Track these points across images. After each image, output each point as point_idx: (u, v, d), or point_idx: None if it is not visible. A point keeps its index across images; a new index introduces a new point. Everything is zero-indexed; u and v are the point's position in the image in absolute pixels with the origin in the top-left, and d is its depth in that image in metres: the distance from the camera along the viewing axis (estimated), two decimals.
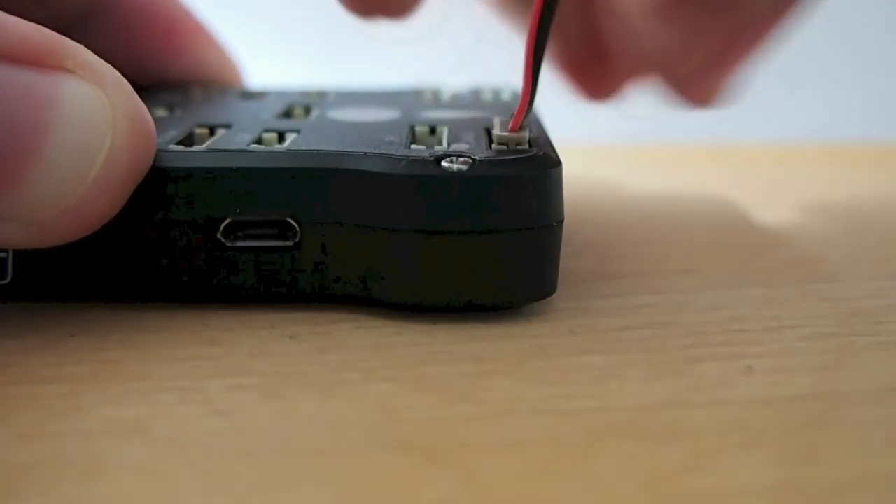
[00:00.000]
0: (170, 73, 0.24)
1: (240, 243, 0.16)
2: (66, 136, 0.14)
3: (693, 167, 0.29)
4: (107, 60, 0.15)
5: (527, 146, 0.16)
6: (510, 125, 0.17)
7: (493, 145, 0.16)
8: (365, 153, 0.16)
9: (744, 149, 0.32)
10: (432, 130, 0.18)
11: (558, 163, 0.16)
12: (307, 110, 0.21)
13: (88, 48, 0.15)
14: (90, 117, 0.14)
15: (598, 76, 0.22)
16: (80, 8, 0.23)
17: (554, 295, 0.17)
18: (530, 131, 0.17)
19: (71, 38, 0.15)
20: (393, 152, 0.16)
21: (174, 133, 0.17)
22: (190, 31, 0.25)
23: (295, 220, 0.16)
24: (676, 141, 0.32)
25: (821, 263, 0.20)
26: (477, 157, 0.16)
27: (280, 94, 0.23)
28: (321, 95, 0.23)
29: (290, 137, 0.18)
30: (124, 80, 0.15)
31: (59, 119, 0.14)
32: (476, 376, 0.14)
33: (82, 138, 0.14)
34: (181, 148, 0.16)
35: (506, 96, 0.23)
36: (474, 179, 0.15)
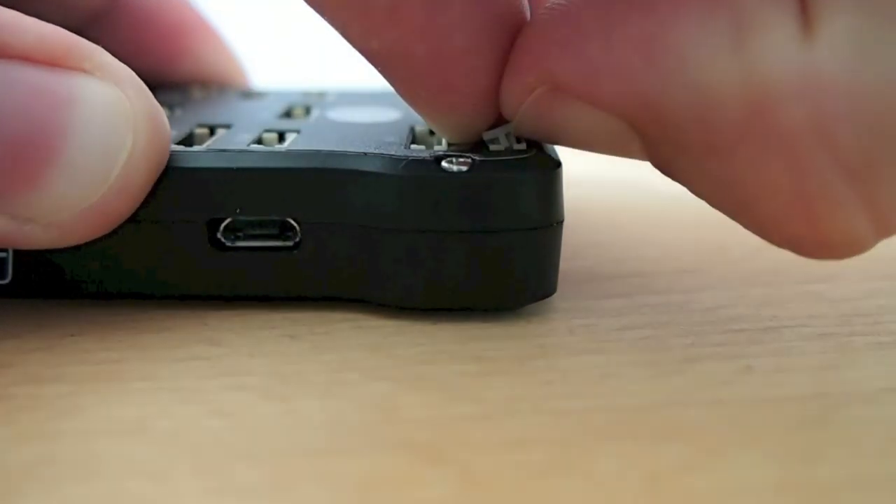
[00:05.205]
0: (176, 74, 0.25)
1: (240, 243, 0.16)
2: (86, 137, 0.14)
3: None
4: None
5: (525, 145, 0.16)
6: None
7: (490, 145, 0.16)
8: (365, 153, 0.16)
9: None
10: (432, 131, 0.18)
11: (558, 163, 0.16)
12: (307, 110, 0.21)
13: None
14: (111, 118, 0.14)
15: None
16: (91, 9, 0.23)
17: (554, 295, 0.17)
18: None
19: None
20: (393, 153, 0.16)
21: (174, 133, 0.17)
22: (197, 32, 0.25)
23: (295, 220, 0.16)
24: None
25: (821, 263, 0.20)
26: (477, 158, 0.16)
27: (280, 94, 0.23)
28: (321, 95, 0.23)
29: (290, 137, 0.18)
30: (141, 82, 0.15)
31: (79, 119, 0.14)
32: (476, 376, 0.14)
33: (103, 139, 0.14)
34: (181, 148, 0.16)
35: None
36: (474, 180, 0.15)
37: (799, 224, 0.14)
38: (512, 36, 0.15)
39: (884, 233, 0.14)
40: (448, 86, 0.15)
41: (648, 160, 0.15)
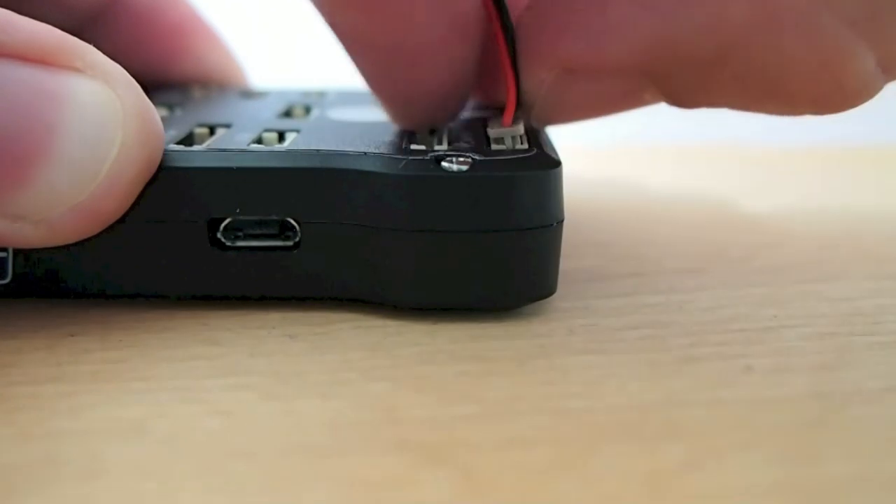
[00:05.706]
0: (175, 75, 0.25)
1: (240, 243, 0.16)
2: (76, 135, 0.14)
3: (693, 167, 0.29)
4: (114, 61, 0.15)
5: (526, 145, 0.16)
6: (502, 120, 0.17)
7: (492, 144, 0.16)
8: (365, 153, 0.16)
9: (743, 149, 0.32)
10: (432, 130, 0.18)
11: (558, 163, 0.16)
12: (307, 110, 0.21)
13: (96, 49, 0.15)
14: (100, 116, 0.14)
15: None
16: (89, 9, 0.23)
17: (554, 295, 0.17)
18: (530, 130, 0.17)
19: (79, 38, 0.15)
20: (393, 152, 0.16)
21: (174, 133, 0.17)
22: (196, 32, 0.25)
23: (295, 220, 0.16)
24: (676, 141, 0.32)
25: (821, 263, 0.20)
26: (477, 158, 0.16)
27: (280, 94, 0.23)
28: (321, 95, 0.23)
29: (290, 137, 0.18)
30: (133, 80, 0.15)
31: (69, 117, 0.14)
32: (476, 376, 0.14)
33: (92, 136, 0.14)
34: (181, 148, 0.16)
35: None
36: (474, 180, 0.15)
37: (822, 83, 0.15)
38: (473, 41, 0.16)
39: (890, 74, 0.16)
40: (408, 76, 0.16)
41: (663, 100, 0.17)
